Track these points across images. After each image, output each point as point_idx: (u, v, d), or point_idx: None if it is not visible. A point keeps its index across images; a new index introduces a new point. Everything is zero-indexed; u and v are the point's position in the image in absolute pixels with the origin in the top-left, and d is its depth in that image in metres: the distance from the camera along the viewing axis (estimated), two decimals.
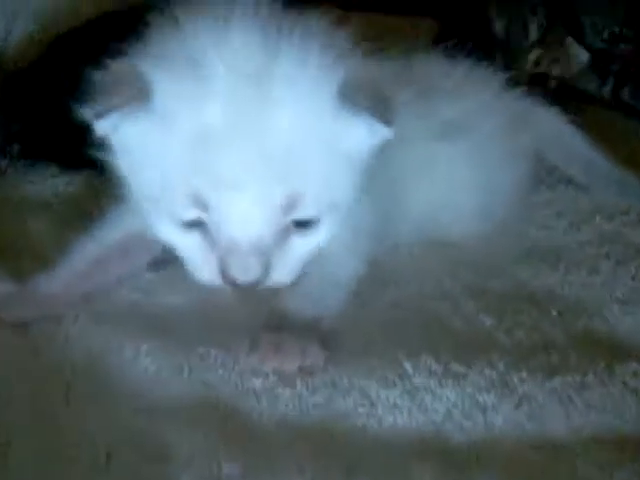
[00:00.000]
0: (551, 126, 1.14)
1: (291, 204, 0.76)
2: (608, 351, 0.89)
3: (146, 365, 0.85)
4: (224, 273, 0.78)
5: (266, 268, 0.77)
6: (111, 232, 0.91)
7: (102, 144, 0.81)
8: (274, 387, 0.82)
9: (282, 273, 0.80)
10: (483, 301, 0.96)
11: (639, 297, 0.98)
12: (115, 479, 0.72)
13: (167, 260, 0.91)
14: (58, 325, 0.89)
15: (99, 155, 0.83)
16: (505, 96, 1.08)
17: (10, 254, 0.97)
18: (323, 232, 0.81)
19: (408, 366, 0.84)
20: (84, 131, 1.01)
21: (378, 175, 0.88)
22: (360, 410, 0.80)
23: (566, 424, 0.80)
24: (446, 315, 0.93)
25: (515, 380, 0.83)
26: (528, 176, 1.10)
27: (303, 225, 0.79)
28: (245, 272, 0.77)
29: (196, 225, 0.79)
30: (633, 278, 1.01)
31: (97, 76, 0.77)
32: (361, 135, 0.79)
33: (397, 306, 0.93)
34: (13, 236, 1.01)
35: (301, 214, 0.78)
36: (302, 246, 0.80)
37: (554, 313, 0.95)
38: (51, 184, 1.14)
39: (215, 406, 0.81)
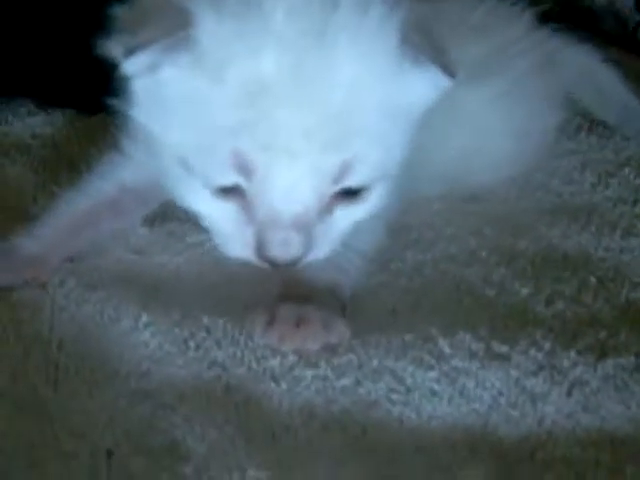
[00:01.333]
0: (583, 64, 1.04)
1: (344, 171, 0.66)
2: None
3: (146, 339, 0.73)
4: (260, 249, 0.67)
5: (307, 245, 0.67)
6: (103, 185, 0.79)
7: (119, 89, 0.67)
8: (294, 367, 0.70)
9: (324, 247, 0.70)
10: (515, 266, 0.86)
11: None
12: None
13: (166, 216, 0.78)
14: (43, 292, 0.75)
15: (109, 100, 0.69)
16: (534, 34, 0.94)
17: None
18: (371, 202, 0.70)
19: (445, 345, 0.73)
20: (70, 65, 0.88)
21: None
22: (394, 397, 0.69)
23: (625, 414, 0.69)
24: (476, 283, 0.83)
25: (565, 362, 0.73)
26: (558, 121, 0.99)
27: (351, 194, 0.68)
28: (285, 249, 0.66)
29: (233, 193, 0.67)
30: None
31: (123, 11, 0.65)
32: (425, 88, 0.69)
33: (421, 271, 0.82)
34: None
35: (353, 182, 0.67)
36: (347, 218, 0.70)
37: (593, 280, 0.84)
38: (28, 124, 0.98)
39: (227, 390, 0.69)
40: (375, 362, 0.72)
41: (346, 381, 0.71)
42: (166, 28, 0.64)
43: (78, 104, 0.99)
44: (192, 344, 0.73)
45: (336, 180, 0.66)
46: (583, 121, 1.09)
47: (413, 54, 0.67)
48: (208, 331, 0.74)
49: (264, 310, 0.71)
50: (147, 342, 0.73)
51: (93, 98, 0.87)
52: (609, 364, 0.74)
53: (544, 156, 0.98)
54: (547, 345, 0.75)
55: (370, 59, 0.66)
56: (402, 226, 0.85)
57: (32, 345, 0.72)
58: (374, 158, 0.67)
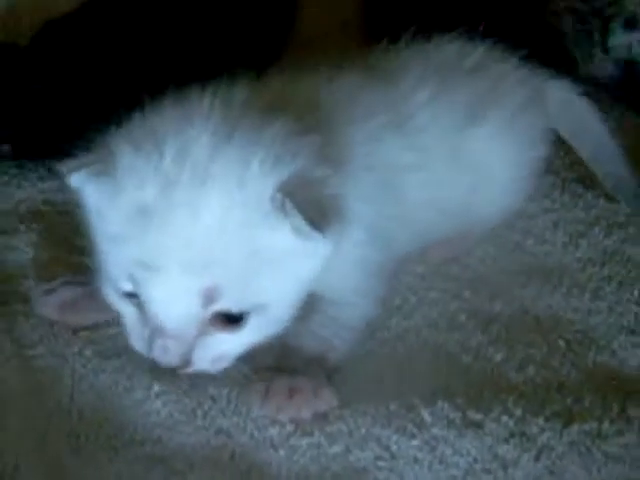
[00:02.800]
0: (562, 96, 1.12)
1: (210, 296, 0.75)
2: (621, 391, 0.89)
3: (158, 407, 0.83)
4: (149, 350, 0.78)
5: (186, 355, 0.77)
6: None
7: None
8: (291, 436, 0.80)
9: (204, 363, 0.79)
10: (490, 330, 0.96)
11: None
12: None
13: None
14: (63, 361, 0.84)
15: None
16: (521, 71, 1.07)
17: None
18: (251, 330, 0.79)
19: (426, 414, 0.83)
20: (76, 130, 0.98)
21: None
22: (380, 464, 0.79)
23: (586, 478, 0.78)
24: (455, 349, 0.92)
25: (534, 429, 0.83)
26: (545, 153, 1.09)
27: (229, 320, 0.78)
28: (164, 354, 0.77)
29: (134, 297, 0.78)
30: (638, 303, 0.99)
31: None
32: (292, 239, 0.77)
33: (404, 339, 0.92)
34: None
35: (221, 307, 0.76)
36: (227, 341, 0.79)
37: (562, 344, 0.94)
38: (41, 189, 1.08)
39: (232, 457, 0.79)
40: (363, 430, 0.81)
41: (337, 448, 0.80)
42: (94, 161, 0.80)
43: None
44: (199, 413, 0.83)
45: (205, 303, 0.76)
46: (557, 179, 1.18)
47: (280, 208, 0.76)
48: (214, 400, 0.84)
49: (260, 383, 0.81)
50: (159, 410, 0.83)
51: None
52: (574, 430, 0.83)
53: (533, 187, 1.07)
54: (518, 412, 0.84)
55: (238, 207, 0.76)
56: (388, 290, 0.94)
57: (54, 414, 0.81)
58: (239, 291, 0.77)
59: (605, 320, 0.98)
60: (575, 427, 0.83)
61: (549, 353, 0.93)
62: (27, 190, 1.11)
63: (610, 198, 1.16)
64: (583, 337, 0.96)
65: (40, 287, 0.92)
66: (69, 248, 0.91)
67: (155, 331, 0.77)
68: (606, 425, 0.84)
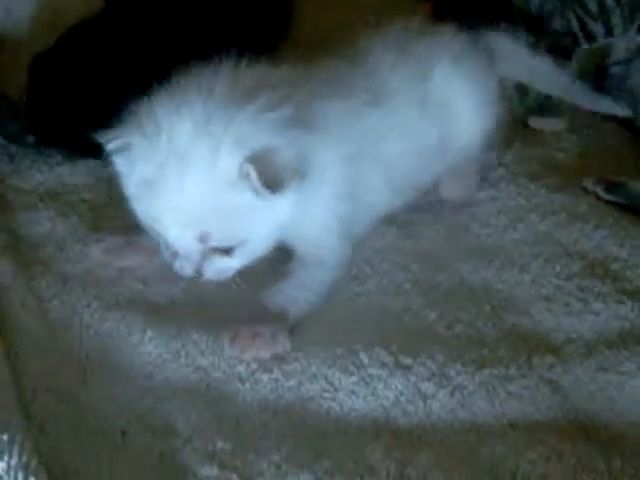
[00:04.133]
0: (506, 47, 1.40)
1: (203, 238, 1.03)
2: (530, 345, 1.11)
3: (150, 349, 1.06)
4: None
5: (198, 269, 1.06)
6: None
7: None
8: (255, 372, 1.04)
9: (211, 274, 1.07)
10: (430, 297, 1.17)
11: (562, 295, 1.19)
12: (130, 452, 0.93)
13: None
14: (74, 313, 1.09)
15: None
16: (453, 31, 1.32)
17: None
18: (239, 256, 1.07)
19: (364, 357, 1.06)
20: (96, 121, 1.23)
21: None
22: (325, 395, 1.02)
23: (490, 411, 1.02)
24: (397, 310, 1.15)
25: (451, 372, 1.05)
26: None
27: (222, 249, 1.05)
28: (181, 270, 1.06)
29: None
30: (558, 276, 1.22)
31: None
32: (255, 201, 1.04)
33: (356, 301, 1.14)
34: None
35: (214, 244, 1.04)
36: (224, 261, 1.07)
37: (488, 308, 1.16)
38: (58, 173, 1.33)
39: (207, 388, 1.02)
40: (313, 368, 1.04)
41: (292, 383, 1.03)
42: (121, 141, 1.06)
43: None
44: (183, 353, 1.07)
45: (201, 241, 1.04)
46: (506, 172, 1.42)
47: (247, 182, 1.02)
48: (195, 344, 1.08)
49: (231, 329, 1.06)
50: (150, 352, 1.06)
51: None
52: (485, 373, 1.06)
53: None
54: (441, 358, 1.07)
55: (214, 177, 1.02)
56: (350, 258, 1.18)
57: (66, 354, 1.06)
58: (223, 234, 1.05)
59: (528, 290, 1.21)
60: (486, 371, 1.06)
61: (476, 315, 1.15)
62: (45, 174, 1.34)
63: (550, 189, 1.38)
64: (507, 303, 1.18)
65: (91, 236, 1.21)
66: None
67: (174, 254, 1.06)
68: (512, 370, 1.07)
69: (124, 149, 1.05)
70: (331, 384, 1.04)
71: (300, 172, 1.04)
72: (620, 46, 1.55)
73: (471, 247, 1.27)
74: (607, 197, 1.39)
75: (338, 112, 1.14)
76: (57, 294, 1.13)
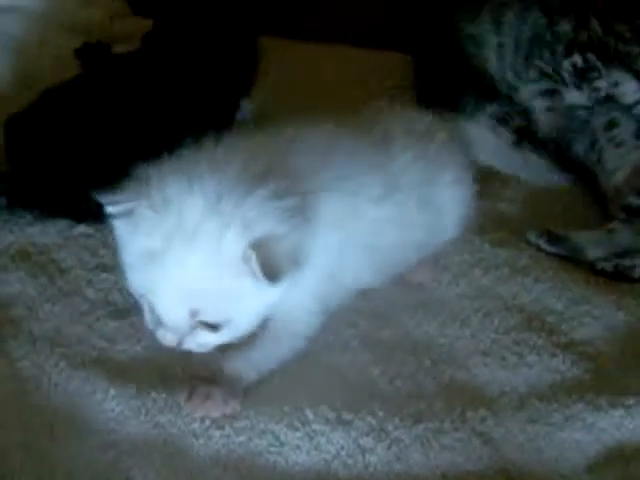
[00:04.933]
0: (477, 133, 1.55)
1: (194, 313, 1.09)
2: (465, 399, 1.22)
3: (113, 406, 1.16)
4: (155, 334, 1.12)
5: (179, 341, 1.12)
6: None
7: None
8: (209, 429, 1.15)
9: (192, 345, 1.13)
10: (375, 352, 1.28)
11: (498, 349, 1.30)
12: None
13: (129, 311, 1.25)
14: (43, 372, 1.21)
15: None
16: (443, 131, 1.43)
17: None
18: (224, 333, 1.13)
19: (309, 413, 1.17)
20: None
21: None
22: (272, 449, 1.13)
23: (425, 463, 1.13)
24: (343, 366, 1.25)
25: (390, 427, 1.16)
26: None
27: (209, 325, 1.12)
28: (163, 339, 1.13)
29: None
30: (496, 331, 1.34)
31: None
32: (253, 288, 1.10)
33: (305, 359, 1.24)
34: None
35: (202, 319, 1.10)
36: (208, 336, 1.13)
37: (428, 363, 1.27)
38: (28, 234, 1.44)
39: (165, 443, 1.13)
40: (262, 425, 1.15)
41: (242, 438, 1.14)
42: (126, 205, 1.12)
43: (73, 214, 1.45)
44: (143, 410, 1.19)
45: (191, 316, 1.09)
46: None
47: (247, 265, 1.07)
48: (154, 401, 1.20)
49: (186, 388, 1.17)
50: (113, 408, 1.17)
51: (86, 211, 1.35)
52: (421, 427, 1.17)
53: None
54: (381, 413, 1.18)
55: (215, 259, 1.08)
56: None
57: (34, 411, 1.17)
58: (214, 312, 1.10)
59: (467, 344, 1.32)
60: (422, 425, 1.17)
61: (416, 369, 1.26)
62: (16, 234, 1.44)
63: (494, 243, 1.50)
64: (447, 357, 1.29)
65: None
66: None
67: (158, 323, 1.11)
68: (447, 424, 1.18)
69: (127, 215, 1.10)
70: (278, 439, 1.14)
71: (298, 262, 1.10)
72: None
73: (417, 302, 1.38)
74: (549, 249, 1.50)
75: (344, 206, 1.22)
76: (27, 354, 1.23)
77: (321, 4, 2.08)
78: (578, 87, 1.63)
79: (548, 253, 1.51)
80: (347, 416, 1.17)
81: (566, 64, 1.62)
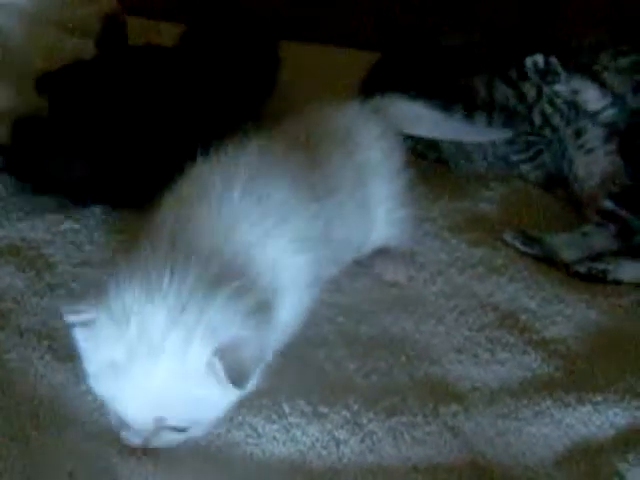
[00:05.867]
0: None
1: (160, 420, 1.07)
2: (438, 394, 1.27)
3: (95, 398, 1.22)
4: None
5: (145, 442, 1.10)
6: None
7: None
8: None
9: (159, 444, 1.11)
10: (352, 347, 1.33)
11: (471, 346, 1.36)
12: None
13: None
14: (30, 364, 1.26)
15: None
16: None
17: None
18: (191, 433, 1.11)
19: (286, 407, 1.22)
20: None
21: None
22: (249, 441, 1.18)
23: (396, 455, 1.18)
24: (320, 361, 1.30)
25: (364, 420, 1.21)
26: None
27: (175, 428, 1.09)
28: (128, 441, 1.10)
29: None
30: (470, 328, 1.39)
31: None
32: (219, 393, 1.08)
33: (284, 354, 1.26)
34: None
35: (167, 424, 1.08)
36: (174, 436, 1.11)
37: (404, 359, 1.32)
38: (19, 228, 1.49)
39: None
40: (240, 418, 1.20)
41: (221, 430, 1.19)
42: (85, 318, 1.09)
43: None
44: None
45: (155, 423, 1.07)
46: (432, 226, 1.60)
47: (212, 375, 1.05)
48: None
49: None
50: (96, 399, 1.23)
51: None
52: (394, 420, 1.22)
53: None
54: (355, 407, 1.23)
55: (181, 368, 1.05)
56: None
57: (21, 402, 1.22)
58: (180, 418, 1.08)
59: (442, 341, 1.37)
60: (395, 419, 1.22)
61: (392, 365, 1.31)
62: (7, 229, 1.49)
63: (471, 243, 1.56)
64: (422, 353, 1.34)
65: None
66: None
67: (123, 425, 1.09)
68: (419, 418, 1.23)
69: (87, 325, 1.07)
70: (255, 431, 1.19)
71: (263, 359, 1.09)
72: None
73: (394, 299, 1.44)
74: (524, 249, 1.56)
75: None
76: (15, 346, 1.28)
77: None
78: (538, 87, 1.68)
79: (524, 253, 1.53)
80: (323, 409, 1.22)
81: (528, 62, 1.66)
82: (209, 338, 1.05)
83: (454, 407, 1.25)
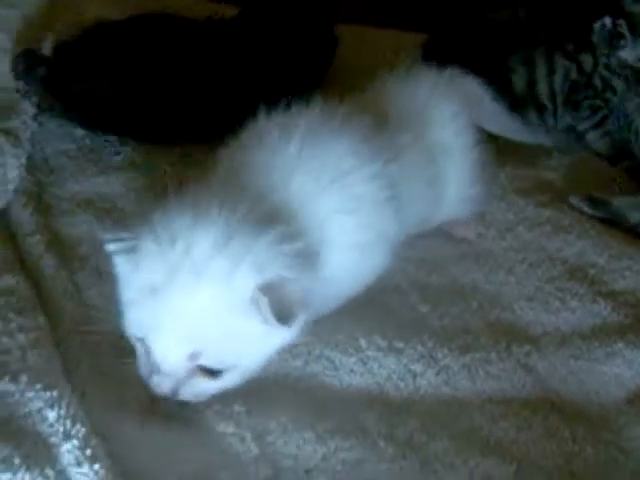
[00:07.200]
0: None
1: (195, 356, 1.02)
2: (510, 336, 1.30)
3: None
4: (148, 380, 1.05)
5: (174, 390, 1.05)
6: None
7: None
8: None
9: (188, 396, 1.06)
10: (424, 293, 1.36)
11: (542, 295, 1.38)
12: (158, 416, 1.11)
13: None
14: (109, 301, 1.28)
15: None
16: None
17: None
18: (226, 381, 1.07)
19: (363, 342, 1.25)
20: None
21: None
22: (327, 372, 1.21)
23: (471, 388, 1.21)
24: (394, 304, 1.33)
25: (439, 355, 1.24)
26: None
27: (209, 371, 1.05)
28: (158, 388, 1.05)
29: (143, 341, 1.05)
30: (540, 279, 1.41)
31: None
32: (263, 330, 1.04)
33: (358, 299, 1.29)
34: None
35: (202, 363, 1.03)
36: (206, 384, 1.06)
37: (475, 304, 1.35)
38: (93, 183, 1.54)
39: None
40: (317, 351, 1.24)
41: (298, 362, 1.21)
42: (124, 245, 1.07)
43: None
44: None
45: (189, 360, 1.02)
46: (499, 190, 1.63)
47: (257, 308, 1.02)
48: None
49: None
50: None
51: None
52: (468, 357, 1.25)
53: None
54: (430, 343, 1.26)
55: (224, 300, 1.02)
56: None
57: (104, 336, 1.22)
58: (218, 356, 1.04)
59: (512, 290, 1.40)
60: (469, 355, 1.25)
61: (464, 309, 1.34)
62: (81, 184, 1.54)
63: (538, 205, 1.59)
64: (493, 300, 1.37)
65: None
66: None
67: (154, 368, 1.04)
68: (493, 355, 1.26)
69: (130, 251, 1.05)
70: (333, 363, 1.22)
71: (306, 306, 1.06)
72: None
73: (463, 253, 1.46)
74: (591, 212, 1.58)
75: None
76: (94, 285, 1.31)
77: None
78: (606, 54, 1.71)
79: (590, 216, 1.56)
80: (398, 344, 1.25)
81: (597, 25, 1.69)
82: (254, 272, 1.03)
83: (527, 347, 1.27)
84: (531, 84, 1.74)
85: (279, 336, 1.06)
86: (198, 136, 1.60)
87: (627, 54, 1.67)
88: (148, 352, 1.04)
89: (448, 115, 1.39)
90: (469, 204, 1.44)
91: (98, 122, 1.62)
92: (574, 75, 1.75)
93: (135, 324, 1.05)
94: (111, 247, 1.06)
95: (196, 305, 1.01)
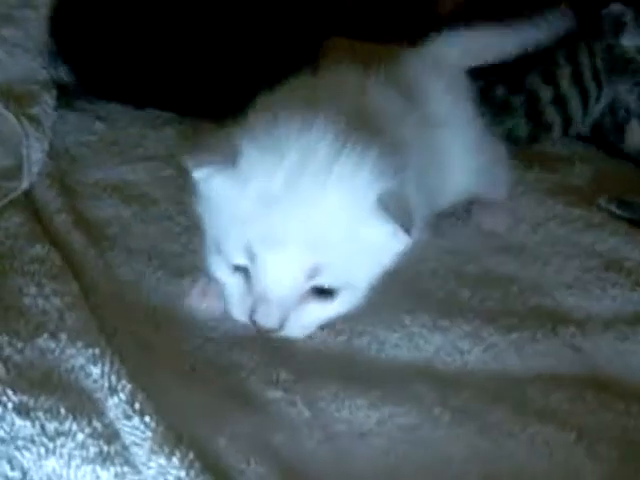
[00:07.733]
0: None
1: (314, 271, 0.99)
2: (555, 318, 1.27)
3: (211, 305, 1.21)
4: (251, 315, 1.03)
5: (282, 321, 1.02)
6: None
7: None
8: None
9: (294, 329, 1.05)
10: (462, 280, 1.33)
11: (582, 283, 1.36)
12: (200, 383, 1.08)
13: None
14: (141, 276, 1.26)
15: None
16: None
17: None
18: (338, 304, 1.05)
19: (406, 319, 1.22)
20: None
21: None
22: (372, 346, 1.18)
23: (520, 365, 1.18)
24: (434, 289, 1.31)
25: (485, 333, 1.21)
26: None
27: (322, 293, 1.03)
28: (265, 318, 1.02)
29: (242, 270, 1.03)
30: (578, 269, 1.39)
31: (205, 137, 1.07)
32: (386, 237, 1.03)
33: (397, 283, 1.24)
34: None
35: (321, 282, 1.01)
36: (317, 311, 1.05)
37: (515, 290, 1.33)
38: (119, 171, 1.51)
39: (267, 340, 1.15)
40: (360, 328, 1.20)
41: (342, 338, 1.18)
42: (220, 157, 1.02)
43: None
44: None
45: (308, 277, 0.99)
46: (526, 189, 1.61)
47: (384, 210, 1.00)
48: None
49: None
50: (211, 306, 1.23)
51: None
52: (514, 335, 1.22)
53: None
54: (476, 323, 1.23)
55: (351, 203, 1.00)
56: None
57: (137, 309, 1.21)
58: (338, 270, 1.01)
59: (551, 279, 1.37)
60: (516, 334, 1.23)
61: (505, 294, 1.31)
62: (105, 171, 1.51)
63: (567, 204, 1.57)
64: (532, 287, 1.34)
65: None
66: None
67: (260, 298, 1.01)
68: (539, 335, 1.23)
69: (229, 169, 1.01)
70: (377, 339, 1.19)
71: (416, 219, 1.03)
72: None
73: (496, 246, 1.44)
74: (620, 213, 1.56)
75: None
76: (125, 262, 1.28)
77: None
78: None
79: (619, 217, 1.54)
80: (443, 323, 1.22)
81: (604, 11, 1.70)
82: (376, 178, 1.01)
83: (572, 329, 1.25)
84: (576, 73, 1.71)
85: (396, 246, 1.05)
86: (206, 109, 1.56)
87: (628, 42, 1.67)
88: (253, 281, 1.01)
89: (437, 90, 1.35)
90: (482, 175, 1.41)
91: (105, 87, 1.63)
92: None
93: (240, 248, 1.00)
94: (201, 172, 1.02)
95: (322, 212, 0.98)
